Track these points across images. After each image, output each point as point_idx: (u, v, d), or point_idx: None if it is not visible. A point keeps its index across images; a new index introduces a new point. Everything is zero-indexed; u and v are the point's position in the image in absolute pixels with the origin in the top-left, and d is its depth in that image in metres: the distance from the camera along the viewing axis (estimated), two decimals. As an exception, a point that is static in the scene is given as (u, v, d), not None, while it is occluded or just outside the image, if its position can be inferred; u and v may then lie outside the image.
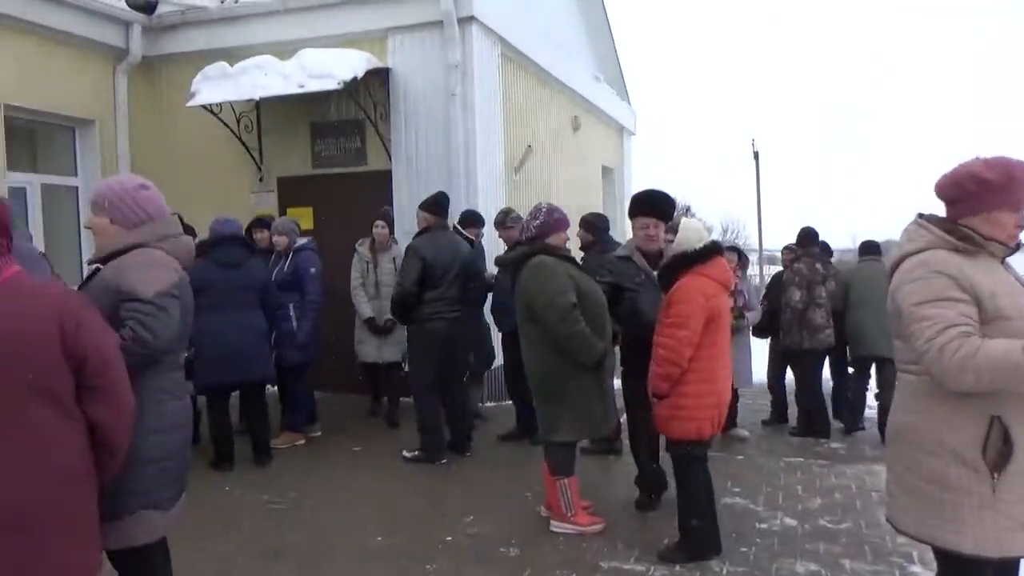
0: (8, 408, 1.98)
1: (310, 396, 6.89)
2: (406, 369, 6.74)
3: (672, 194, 5.25)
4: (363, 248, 7.23)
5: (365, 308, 7.13)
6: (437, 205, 6.24)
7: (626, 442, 5.49)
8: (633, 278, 4.82)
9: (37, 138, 8.51)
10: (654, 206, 4.85)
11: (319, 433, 6.87)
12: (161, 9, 8.94)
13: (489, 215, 7.30)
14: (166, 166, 8.89)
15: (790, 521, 4.78)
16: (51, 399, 2.05)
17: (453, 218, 6.82)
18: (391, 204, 8.01)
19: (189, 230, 6.66)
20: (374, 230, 7.12)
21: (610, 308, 4.66)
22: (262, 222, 7.11)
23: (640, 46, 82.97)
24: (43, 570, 2.04)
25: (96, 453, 2.23)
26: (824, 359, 7.21)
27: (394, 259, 7.04)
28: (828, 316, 6.91)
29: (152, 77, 9.17)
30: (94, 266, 2.70)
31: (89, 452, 2.20)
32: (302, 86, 7.78)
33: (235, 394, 6.18)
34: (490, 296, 6.78)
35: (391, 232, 7.19)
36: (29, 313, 2.04)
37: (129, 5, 8.71)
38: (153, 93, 9.19)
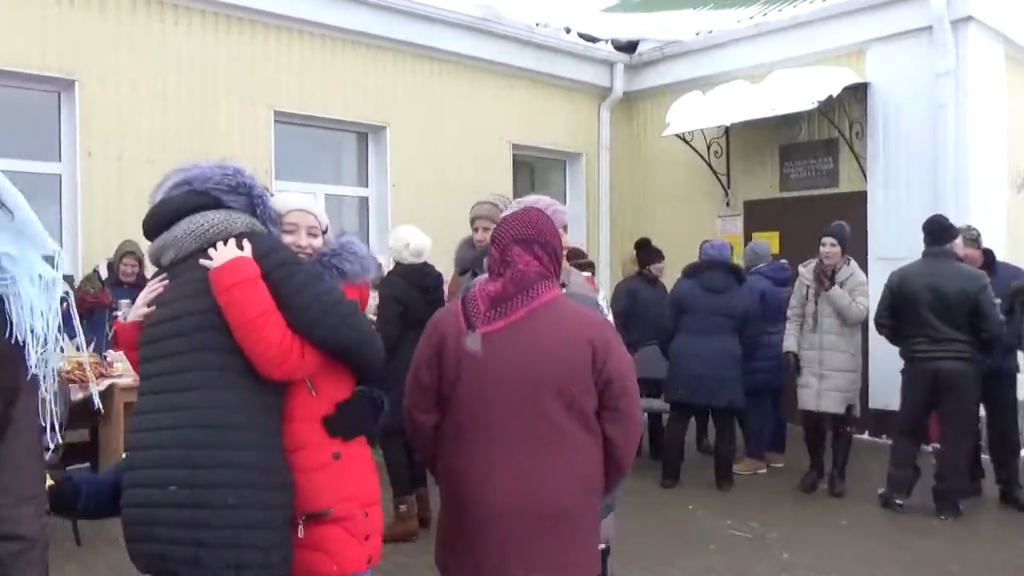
0: (551, 423, 2.25)
1: (780, 424, 6.74)
2: (854, 418, 5.95)
3: None
4: (807, 270, 6.07)
5: (788, 340, 6.02)
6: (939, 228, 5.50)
7: None
8: None
9: (535, 171, 9.75)
10: None
11: (781, 465, 6.68)
12: (642, 47, 9.61)
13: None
14: (640, 192, 9.54)
15: None
16: (581, 416, 2.28)
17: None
18: (864, 226, 7.51)
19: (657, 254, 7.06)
20: (822, 248, 5.94)
21: None
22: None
23: None
24: (568, 568, 2.29)
25: (605, 467, 2.42)
26: None
27: (842, 283, 6.00)
28: None
29: (630, 111, 9.91)
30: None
31: (603, 466, 2.40)
32: (774, 108, 7.71)
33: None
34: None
35: (843, 251, 5.95)
36: (568, 335, 2.28)
37: (615, 47, 9.52)
38: (631, 125, 9.91)
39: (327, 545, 2.13)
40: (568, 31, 9.16)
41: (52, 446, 1.88)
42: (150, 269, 5.73)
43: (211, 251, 2.06)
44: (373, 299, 4.63)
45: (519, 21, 8.64)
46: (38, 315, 1.00)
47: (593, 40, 9.37)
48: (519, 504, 2.23)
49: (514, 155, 8.99)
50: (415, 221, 5.39)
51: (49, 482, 2.00)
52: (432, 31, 8.10)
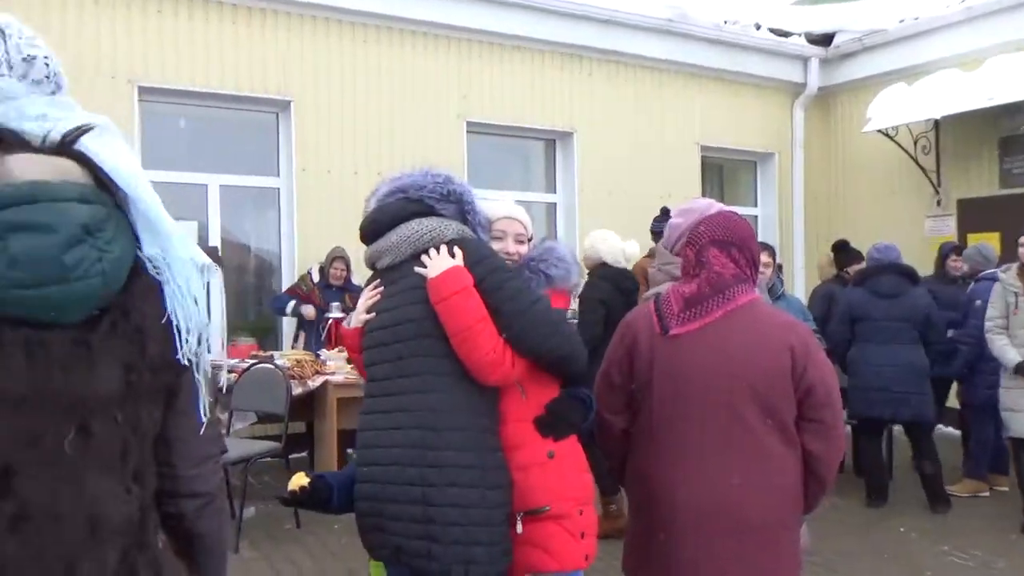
0: (747, 430, 2.18)
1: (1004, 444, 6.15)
2: None
3: None
4: (1009, 275, 5.24)
5: (1009, 353, 5.11)
6: None
7: None
8: None
9: (724, 173, 9.51)
10: None
11: (1006, 488, 6.05)
12: (838, 39, 9.12)
13: None
14: (837, 191, 9.06)
15: None
16: (779, 426, 2.20)
17: None
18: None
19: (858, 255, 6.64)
20: (1020, 248, 5.19)
21: None
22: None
23: None
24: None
25: (805, 481, 2.30)
26: None
27: None
28: None
29: (826, 106, 9.43)
30: None
31: (802, 480, 2.30)
32: (992, 98, 7.07)
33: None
34: None
35: None
36: (767, 339, 2.21)
37: (808, 40, 9.10)
38: (827, 121, 9.43)
39: (546, 542, 2.18)
40: (758, 27, 8.86)
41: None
42: (357, 273, 6.24)
43: (424, 258, 2.15)
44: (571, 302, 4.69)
45: (707, 20, 8.47)
46: (191, 302, 1.13)
47: (785, 35, 9.00)
48: (714, 513, 2.18)
49: (703, 157, 8.81)
50: (602, 226, 5.42)
51: (303, 483, 2.22)
52: (619, 35, 8.10)
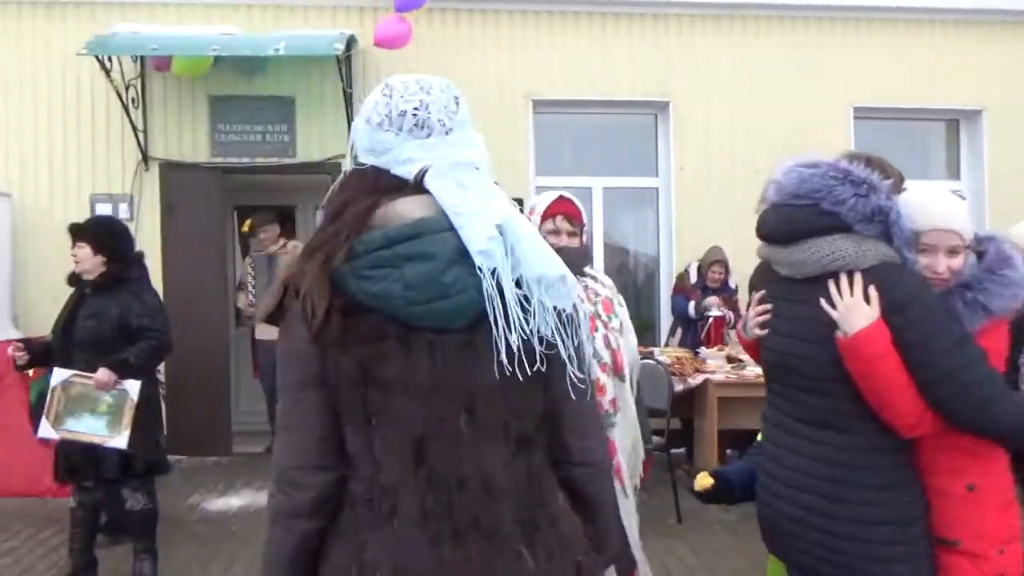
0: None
1: None
2: None
3: None
4: None
5: None
6: None
7: None
8: None
9: None
10: None
11: None
12: None
13: None
14: None
15: None
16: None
17: None
18: None
19: None
20: None
21: None
22: None
23: None
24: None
25: None
26: None
27: None
28: None
29: None
30: None
31: None
32: None
33: None
34: None
35: None
36: None
37: None
38: None
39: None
40: None
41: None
42: (735, 275, 6.15)
43: (833, 291, 1.92)
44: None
45: None
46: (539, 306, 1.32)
47: None
48: None
49: None
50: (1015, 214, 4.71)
51: (708, 484, 2.27)
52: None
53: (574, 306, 1.35)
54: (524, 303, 1.29)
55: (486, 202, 1.32)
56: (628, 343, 2.75)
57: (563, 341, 1.33)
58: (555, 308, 1.31)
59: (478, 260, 1.26)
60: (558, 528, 1.37)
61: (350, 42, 6.40)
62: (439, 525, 1.29)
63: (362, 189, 1.35)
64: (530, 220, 2.65)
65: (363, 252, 1.27)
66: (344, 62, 6.36)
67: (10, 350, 4.02)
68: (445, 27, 6.84)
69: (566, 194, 2.76)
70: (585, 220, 2.75)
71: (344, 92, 6.45)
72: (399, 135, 1.35)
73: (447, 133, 1.37)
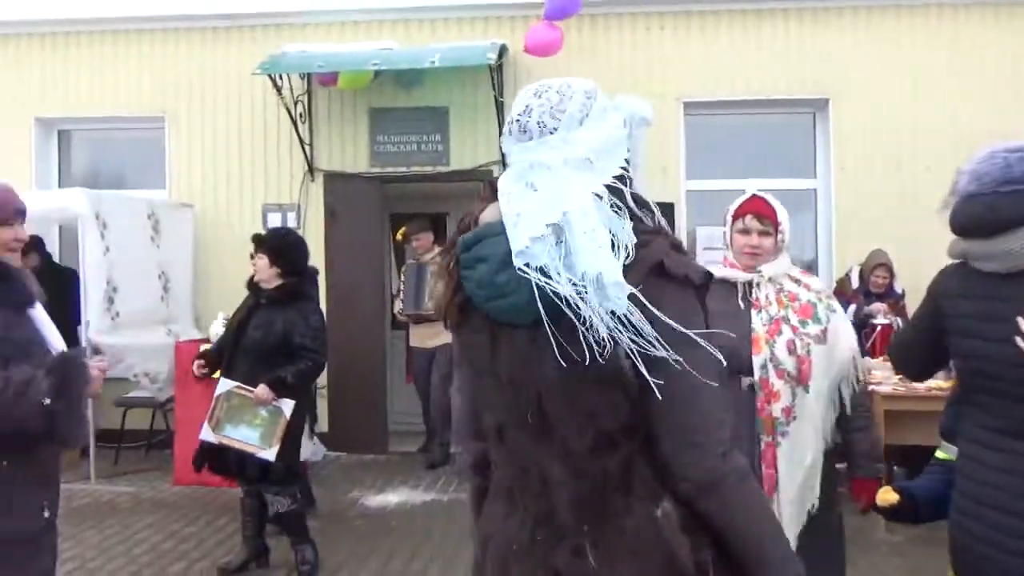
0: None
1: None
2: None
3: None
4: None
5: None
6: None
7: None
8: None
9: None
10: None
11: None
12: None
13: None
14: None
15: None
16: None
17: None
18: None
19: None
20: None
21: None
22: None
23: None
24: None
25: None
26: None
27: None
28: None
29: None
30: None
31: None
32: None
33: None
34: None
35: None
36: None
37: None
38: None
39: None
40: None
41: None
42: (900, 280, 5.78)
43: None
44: None
45: None
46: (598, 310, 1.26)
47: None
48: None
49: None
50: None
51: (892, 500, 2.15)
52: None
53: (628, 309, 1.26)
54: (579, 301, 1.25)
55: (549, 202, 1.31)
56: (834, 353, 2.59)
57: (627, 343, 1.25)
58: (611, 311, 1.25)
59: (517, 261, 1.29)
60: (626, 538, 1.32)
61: (502, 51, 6.53)
62: (513, 505, 1.43)
63: (485, 195, 1.46)
64: (725, 221, 2.64)
65: (458, 255, 1.41)
66: (496, 71, 6.49)
67: (195, 368, 4.39)
68: (595, 32, 6.84)
69: (760, 192, 2.72)
70: (782, 219, 2.66)
71: (496, 101, 6.58)
72: (509, 140, 1.43)
73: (551, 133, 1.37)
